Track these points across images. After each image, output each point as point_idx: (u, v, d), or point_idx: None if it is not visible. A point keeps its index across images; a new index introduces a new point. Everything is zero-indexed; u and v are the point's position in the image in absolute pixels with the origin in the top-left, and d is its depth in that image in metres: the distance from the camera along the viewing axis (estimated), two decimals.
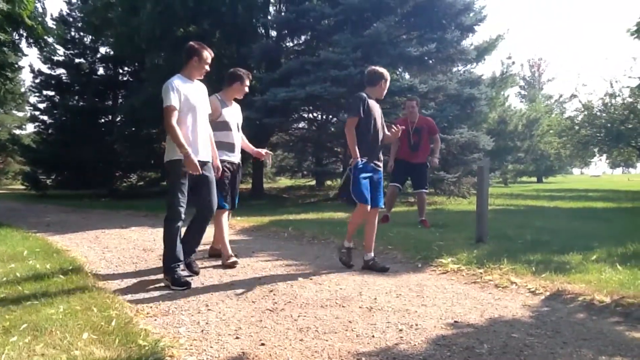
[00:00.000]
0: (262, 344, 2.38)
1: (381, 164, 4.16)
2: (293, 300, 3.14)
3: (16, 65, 14.27)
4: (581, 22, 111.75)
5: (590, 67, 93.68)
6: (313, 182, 18.15)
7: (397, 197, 7.01)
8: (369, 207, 3.98)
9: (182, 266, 3.64)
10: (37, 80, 18.14)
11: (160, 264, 3.73)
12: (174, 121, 3.41)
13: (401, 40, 11.08)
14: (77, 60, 18.31)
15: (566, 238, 5.15)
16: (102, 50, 18.45)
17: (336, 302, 3.09)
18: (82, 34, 18.16)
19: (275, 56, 12.23)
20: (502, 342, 2.39)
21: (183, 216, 3.53)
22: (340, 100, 10.46)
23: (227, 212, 4.29)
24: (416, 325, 2.65)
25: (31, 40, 10.64)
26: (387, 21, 9.57)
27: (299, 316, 2.81)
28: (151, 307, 2.98)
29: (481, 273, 3.73)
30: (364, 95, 4.04)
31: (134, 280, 3.71)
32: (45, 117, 18.65)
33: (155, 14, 10.95)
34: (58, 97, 18.26)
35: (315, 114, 13.31)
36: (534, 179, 39.81)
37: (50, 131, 18.37)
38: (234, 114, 4.25)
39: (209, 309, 2.95)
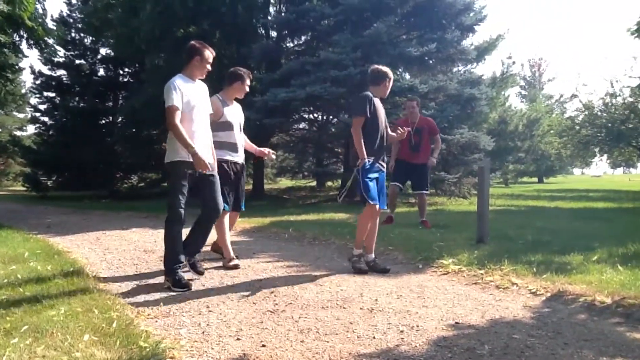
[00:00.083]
0: (263, 346, 2.39)
1: (385, 165, 4.15)
2: (294, 301, 3.14)
3: (17, 67, 14.32)
4: (581, 22, 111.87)
5: (591, 67, 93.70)
6: (314, 183, 18.09)
7: (397, 197, 7.01)
8: (378, 206, 3.93)
9: (183, 267, 3.63)
10: (38, 82, 18.13)
11: (161, 266, 3.73)
12: (177, 121, 3.39)
13: (401, 40, 11.06)
14: (77, 62, 18.29)
15: (567, 238, 5.15)
16: (103, 51, 18.47)
17: (337, 303, 3.09)
18: (82, 35, 18.16)
19: (275, 56, 12.22)
20: (503, 343, 2.39)
21: (184, 217, 3.53)
22: (340, 100, 10.46)
23: (227, 214, 4.27)
24: (417, 326, 2.65)
25: (31, 42, 10.67)
26: (387, 21, 9.56)
27: (299, 317, 2.81)
28: (152, 309, 2.98)
29: (482, 274, 3.73)
30: (370, 94, 3.97)
31: (135, 282, 3.71)
32: (45, 119, 18.62)
33: (155, 15, 10.95)
34: (58, 98, 18.24)
35: (315, 115, 13.26)
36: (535, 179, 39.76)
37: (50, 132, 18.35)
38: (235, 114, 4.24)
39: (210, 311, 2.95)
